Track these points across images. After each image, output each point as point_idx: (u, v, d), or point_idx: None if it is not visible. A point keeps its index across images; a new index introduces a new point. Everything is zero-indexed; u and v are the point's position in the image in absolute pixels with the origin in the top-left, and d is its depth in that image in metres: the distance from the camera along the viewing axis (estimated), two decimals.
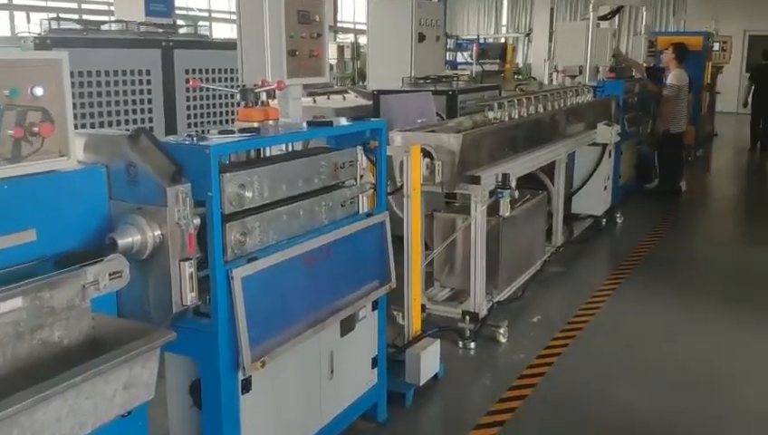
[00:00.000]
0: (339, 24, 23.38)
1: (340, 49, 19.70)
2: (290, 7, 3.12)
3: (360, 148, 3.26)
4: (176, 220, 2.20)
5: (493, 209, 4.48)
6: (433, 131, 4.48)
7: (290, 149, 3.08)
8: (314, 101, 7.09)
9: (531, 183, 5.76)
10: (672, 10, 25.76)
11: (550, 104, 5.92)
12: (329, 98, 7.68)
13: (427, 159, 4.10)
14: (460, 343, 4.37)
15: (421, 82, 6.86)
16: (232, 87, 4.85)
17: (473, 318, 4.41)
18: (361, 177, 3.32)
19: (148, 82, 5.02)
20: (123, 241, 2.16)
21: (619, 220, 7.49)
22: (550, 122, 5.78)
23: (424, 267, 4.54)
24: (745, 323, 4.82)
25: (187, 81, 5.34)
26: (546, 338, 4.53)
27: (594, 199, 6.97)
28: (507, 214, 4.45)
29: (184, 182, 2.23)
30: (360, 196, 3.37)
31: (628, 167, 8.49)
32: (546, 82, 12.57)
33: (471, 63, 12.51)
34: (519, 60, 26.02)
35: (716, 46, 13.60)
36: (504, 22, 30.30)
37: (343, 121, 3.12)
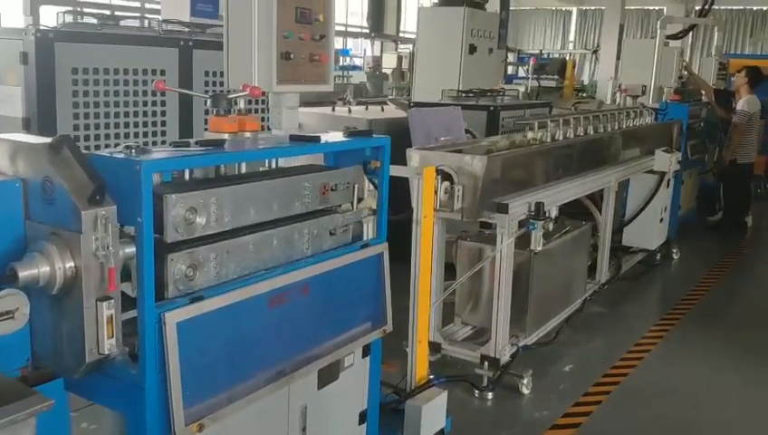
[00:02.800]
0: (401, 34, 23.11)
1: (399, 59, 19.40)
2: (285, 3, 2.71)
3: (359, 167, 2.84)
4: (92, 250, 1.80)
5: (525, 241, 3.98)
6: (459, 151, 4.00)
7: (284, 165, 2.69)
8: (349, 111, 6.70)
9: (578, 208, 5.22)
10: (749, 32, 24.57)
11: (601, 126, 5.37)
12: (367, 108, 7.28)
13: (447, 183, 3.63)
14: (476, 392, 3.87)
15: (463, 95, 6.39)
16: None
17: (492, 364, 3.91)
18: (360, 200, 2.89)
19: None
20: (26, 273, 1.78)
21: (675, 256, 6.83)
22: (599, 146, 5.22)
23: (440, 303, 4.07)
24: None
25: (206, 83, 5.04)
26: (577, 392, 3.98)
27: (648, 232, 6.33)
28: (539, 248, 3.94)
29: (108, 204, 1.83)
30: (365, 223, 2.95)
31: (690, 197, 7.81)
32: (609, 101, 11.93)
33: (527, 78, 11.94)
34: (585, 77, 25.26)
35: None
36: (572, 37, 29.51)
37: (338, 137, 2.68)
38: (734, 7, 24.47)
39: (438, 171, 3.59)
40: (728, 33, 24.69)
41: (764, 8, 22.31)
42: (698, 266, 6.69)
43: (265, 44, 2.65)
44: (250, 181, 2.29)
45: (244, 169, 2.47)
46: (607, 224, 5.34)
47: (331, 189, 2.63)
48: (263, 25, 2.65)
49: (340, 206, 2.79)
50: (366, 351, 2.87)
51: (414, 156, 3.76)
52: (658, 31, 8.29)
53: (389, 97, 9.88)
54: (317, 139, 2.50)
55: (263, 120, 4.76)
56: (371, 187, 2.98)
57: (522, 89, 9.45)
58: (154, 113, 4.67)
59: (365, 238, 2.91)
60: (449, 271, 4.19)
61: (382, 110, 7.22)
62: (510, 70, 17.82)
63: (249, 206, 2.27)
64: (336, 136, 2.69)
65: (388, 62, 19.99)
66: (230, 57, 2.76)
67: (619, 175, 5.31)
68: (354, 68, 19.76)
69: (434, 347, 4.05)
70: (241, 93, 2.37)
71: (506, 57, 15.73)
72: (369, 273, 2.80)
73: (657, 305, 5.75)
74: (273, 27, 2.65)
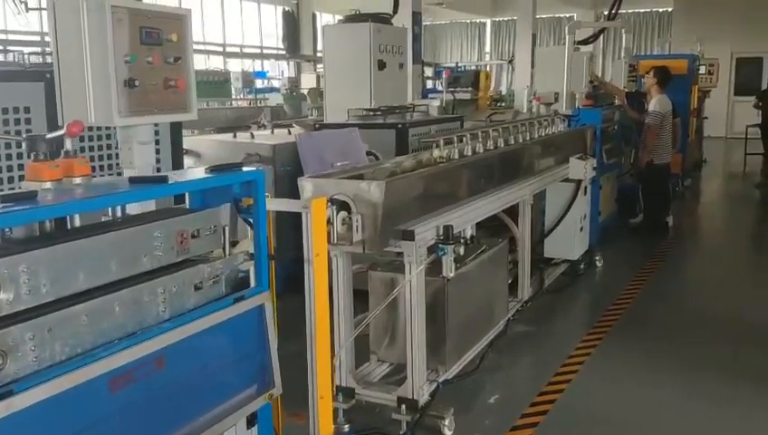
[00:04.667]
0: (319, 54, 22.81)
1: (318, 78, 19.10)
2: (125, 23, 2.32)
3: (230, 206, 2.47)
4: None
5: (439, 267, 3.66)
6: (359, 176, 3.66)
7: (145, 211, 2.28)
8: (252, 137, 6.31)
9: (496, 222, 4.95)
10: (657, 33, 25.37)
11: (512, 138, 5.13)
12: (273, 132, 6.90)
13: (344, 213, 3.28)
14: None
15: (371, 114, 6.07)
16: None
17: (410, 406, 3.56)
18: (235, 244, 2.51)
19: (28, 122, 4.17)
20: None
21: (598, 264, 6.67)
22: (511, 159, 4.97)
23: (351, 343, 3.71)
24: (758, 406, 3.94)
25: None
26: (503, 427, 3.67)
27: (569, 242, 6.14)
28: (452, 274, 3.63)
29: None
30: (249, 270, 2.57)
31: (609, 202, 7.71)
32: (525, 110, 11.92)
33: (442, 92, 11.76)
34: (503, 87, 25.53)
35: (703, 69, 12.95)
36: (488, 48, 29.89)
37: (197, 175, 2.30)
38: (641, 10, 25.25)
39: (333, 201, 3.24)
40: (637, 36, 25.44)
41: (669, 9, 23.04)
42: (623, 273, 6.54)
43: (101, 71, 2.25)
44: (75, 239, 1.87)
45: (78, 224, 2.06)
46: (525, 238, 5.09)
47: (192, 236, 2.24)
48: (96, 49, 2.25)
49: (212, 252, 2.42)
50: (252, 420, 2.48)
51: (306, 186, 3.40)
52: (567, 37, 8.22)
53: (295, 119, 9.49)
54: (163, 179, 2.11)
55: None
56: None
57: (436, 103, 9.19)
58: (20, 156, 4.16)
59: (251, 286, 2.54)
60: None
61: (289, 133, 6.85)
62: (430, 84, 17.74)
63: (76, 269, 1.86)
64: (194, 173, 2.31)
65: (308, 83, 19.71)
66: (63, 88, 2.34)
67: (534, 187, 5.08)
68: (272, 90, 19.37)
69: (347, 392, 3.69)
70: (57, 133, 1.96)
71: (423, 72, 15.62)
72: (249, 329, 2.42)
73: (583, 318, 5.54)
74: (109, 50, 2.25)
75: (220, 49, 21.15)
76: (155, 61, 2.43)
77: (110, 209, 2.18)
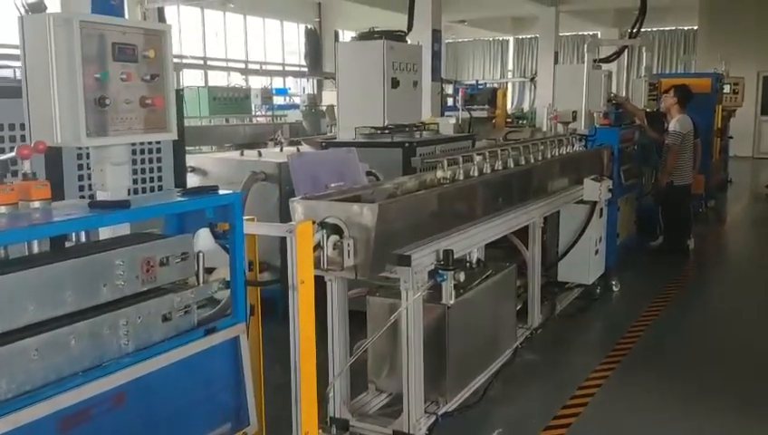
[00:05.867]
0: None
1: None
2: (96, 38, 2.21)
3: (206, 232, 2.34)
4: None
5: (440, 293, 3.50)
6: (356, 198, 3.52)
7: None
8: (260, 155, 6.22)
9: (508, 242, 4.79)
10: (682, 51, 25.08)
11: (522, 158, 4.97)
12: (281, 150, 6.80)
13: (336, 236, 3.14)
14: None
15: (378, 132, 5.94)
16: None
17: None
18: (210, 271, 2.38)
19: (23, 139, 4.09)
20: None
21: (615, 288, 6.43)
22: (520, 180, 4.80)
23: (347, 372, 3.56)
24: None
25: None
26: None
27: (583, 266, 5.92)
28: (452, 302, 3.46)
29: None
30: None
31: (628, 223, 7.47)
32: (545, 128, 11.74)
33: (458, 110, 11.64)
34: (526, 105, 25.39)
35: (727, 88, 12.64)
36: (510, 66, 29.79)
37: (166, 198, 2.18)
38: (666, 28, 24.99)
39: (324, 225, 3.11)
40: (662, 54, 25.16)
41: (694, 28, 22.73)
42: (640, 298, 6.29)
43: (68, 89, 2.14)
44: (24, 268, 1.75)
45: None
46: (535, 262, 4.91)
47: (161, 264, 2.11)
48: (63, 66, 2.14)
49: (186, 281, 2.29)
50: None
51: (298, 208, 3.27)
52: (586, 55, 8.06)
53: (311, 137, 9.41)
54: (125, 204, 1.98)
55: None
56: None
57: (452, 121, 9.06)
58: (14, 174, 4.09)
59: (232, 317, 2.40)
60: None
61: (298, 151, 6.75)
62: (450, 102, 17.64)
63: (26, 300, 1.74)
64: (163, 197, 2.18)
65: (329, 99, 19.73)
66: (30, 106, 2.23)
67: (544, 209, 4.90)
68: (293, 106, 19.39)
69: (340, 424, 3.54)
70: (8, 155, 1.85)
71: (442, 89, 15.51)
72: (221, 363, 2.28)
73: (596, 347, 5.30)
74: (77, 67, 2.14)
75: (242, 66, 21.27)
76: (130, 78, 2.32)
77: (73, 235, 2.06)
